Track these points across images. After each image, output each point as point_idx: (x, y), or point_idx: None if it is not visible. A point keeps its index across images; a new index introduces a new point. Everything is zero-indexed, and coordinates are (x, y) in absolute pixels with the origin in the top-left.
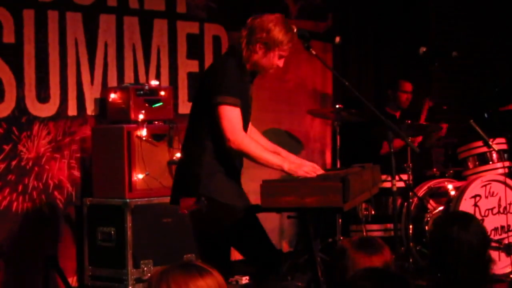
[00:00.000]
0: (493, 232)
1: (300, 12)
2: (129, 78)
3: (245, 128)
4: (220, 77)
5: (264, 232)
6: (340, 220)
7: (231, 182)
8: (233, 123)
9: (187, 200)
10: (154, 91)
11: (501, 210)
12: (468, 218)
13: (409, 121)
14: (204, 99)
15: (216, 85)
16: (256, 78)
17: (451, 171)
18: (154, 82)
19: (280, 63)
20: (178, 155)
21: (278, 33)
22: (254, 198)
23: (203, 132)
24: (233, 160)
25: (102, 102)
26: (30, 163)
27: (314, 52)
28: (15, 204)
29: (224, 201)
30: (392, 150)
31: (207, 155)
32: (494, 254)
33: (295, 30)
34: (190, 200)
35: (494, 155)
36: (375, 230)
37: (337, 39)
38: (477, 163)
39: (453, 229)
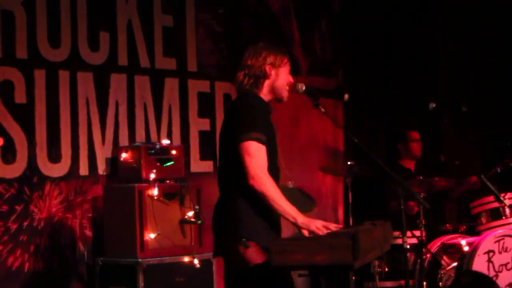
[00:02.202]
0: None
1: (311, 68)
2: (140, 136)
3: (276, 162)
4: (244, 113)
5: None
6: (353, 277)
7: (268, 225)
8: (257, 160)
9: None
10: (166, 150)
11: None
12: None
13: (421, 177)
14: (230, 140)
15: (240, 122)
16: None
17: (464, 227)
18: (165, 141)
19: (290, 78)
20: (190, 213)
21: (274, 50)
22: None
23: (234, 175)
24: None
25: (113, 161)
26: (42, 223)
27: (323, 110)
28: (27, 264)
29: (263, 245)
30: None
31: (244, 197)
32: None
33: (304, 88)
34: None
35: (507, 210)
36: (388, 287)
37: (346, 96)
38: (490, 218)
39: None
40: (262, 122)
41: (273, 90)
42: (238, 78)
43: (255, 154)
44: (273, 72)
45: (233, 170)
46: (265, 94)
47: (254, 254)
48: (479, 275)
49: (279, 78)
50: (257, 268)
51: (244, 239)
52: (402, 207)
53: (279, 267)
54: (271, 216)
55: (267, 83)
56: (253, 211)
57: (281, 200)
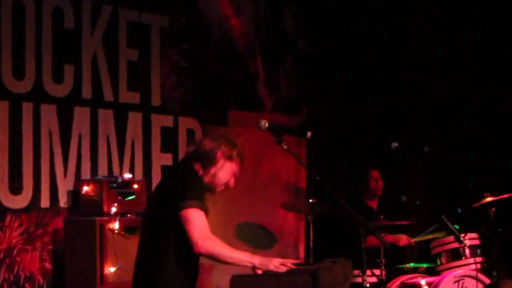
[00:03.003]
0: None
1: (275, 106)
2: (103, 170)
3: None
4: (186, 183)
5: None
6: None
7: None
8: (201, 227)
9: None
10: (128, 183)
11: None
12: None
13: (381, 216)
14: (166, 203)
15: (181, 190)
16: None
17: (424, 267)
18: (127, 175)
19: (232, 181)
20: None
21: (232, 144)
22: None
23: (164, 240)
24: (194, 267)
25: (75, 194)
26: (1, 255)
27: (285, 147)
28: None
29: None
30: (364, 245)
31: (170, 262)
32: None
33: (267, 125)
34: None
35: (467, 251)
36: None
37: (308, 134)
38: (450, 258)
39: None
40: (201, 193)
41: (210, 177)
42: (189, 150)
43: (196, 221)
44: (221, 161)
45: (162, 236)
46: (208, 174)
47: None
48: None
49: (222, 171)
50: None
51: None
52: (363, 245)
53: None
54: (193, 280)
55: (212, 169)
56: (179, 277)
57: (231, 252)
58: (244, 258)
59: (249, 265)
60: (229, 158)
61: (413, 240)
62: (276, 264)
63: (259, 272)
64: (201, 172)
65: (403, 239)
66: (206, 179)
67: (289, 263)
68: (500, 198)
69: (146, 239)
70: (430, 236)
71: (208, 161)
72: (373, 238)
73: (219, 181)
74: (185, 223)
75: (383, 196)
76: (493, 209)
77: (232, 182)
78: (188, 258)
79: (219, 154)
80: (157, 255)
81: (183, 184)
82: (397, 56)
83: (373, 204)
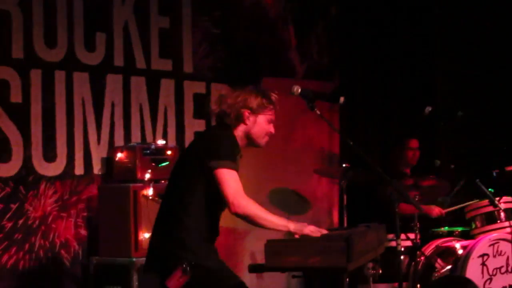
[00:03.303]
0: None
1: (307, 72)
2: (136, 137)
3: None
4: (218, 143)
5: None
6: (347, 279)
7: (214, 249)
8: (234, 187)
9: (173, 278)
10: (161, 150)
11: (509, 269)
12: (465, 282)
13: (411, 181)
14: (196, 163)
15: (213, 151)
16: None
17: (459, 230)
18: (160, 142)
19: (271, 128)
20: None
21: (258, 94)
22: (260, 257)
23: (189, 196)
24: (214, 227)
25: (108, 161)
26: (37, 222)
27: (318, 113)
28: (21, 262)
29: (211, 267)
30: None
31: (192, 219)
32: None
33: (299, 91)
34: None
35: (502, 214)
36: None
37: (341, 99)
38: (484, 222)
39: None
40: (234, 155)
41: (247, 136)
42: (215, 110)
43: (230, 181)
44: (250, 119)
45: (187, 192)
46: (240, 138)
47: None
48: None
49: (256, 126)
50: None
51: (187, 263)
52: (396, 210)
53: (273, 269)
54: (213, 239)
55: (242, 127)
56: (200, 234)
57: (267, 215)
58: (279, 222)
59: (284, 229)
60: (258, 111)
61: (444, 211)
62: (312, 229)
63: (296, 237)
64: (234, 131)
65: (435, 211)
66: (244, 138)
67: (324, 231)
68: None
69: (170, 193)
70: (462, 205)
71: (237, 122)
72: (405, 206)
73: (258, 137)
74: (219, 183)
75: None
76: None
77: (272, 129)
78: (210, 216)
79: (246, 113)
80: (180, 209)
81: (216, 144)
82: (430, 20)
83: (407, 170)
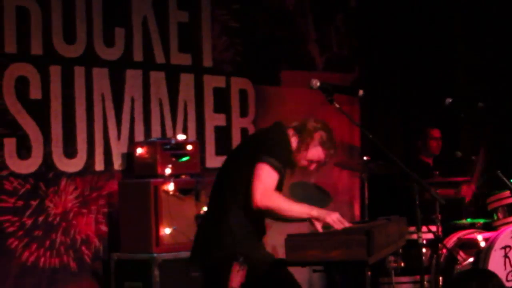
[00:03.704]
0: None
1: (327, 64)
2: (156, 132)
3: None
4: (275, 141)
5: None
6: (369, 273)
7: (261, 242)
8: (265, 184)
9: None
10: (181, 145)
11: None
12: (489, 275)
13: (437, 172)
14: (248, 157)
15: (267, 146)
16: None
17: (481, 222)
18: (181, 137)
19: (314, 165)
20: (206, 209)
21: (331, 137)
22: (281, 251)
23: (239, 190)
24: (262, 223)
25: (129, 157)
26: (58, 219)
27: (337, 106)
28: (42, 259)
29: (258, 257)
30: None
31: (242, 213)
32: None
33: (318, 84)
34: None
35: None
36: (404, 282)
37: (360, 92)
38: (506, 213)
39: (472, 285)
40: (286, 160)
41: (299, 151)
42: (295, 123)
43: (265, 179)
44: (315, 142)
45: (238, 186)
46: (299, 153)
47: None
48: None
49: (311, 152)
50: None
51: (242, 258)
52: (418, 202)
53: (294, 263)
54: (261, 234)
55: (303, 144)
56: (249, 229)
57: (290, 205)
58: (302, 210)
59: (308, 216)
60: (323, 144)
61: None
62: (334, 218)
63: (317, 224)
64: (293, 141)
65: (463, 189)
66: (295, 151)
67: (346, 223)
68: None
69: (220, 186)
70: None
71: (305, 136)
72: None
73: (304, 157)
74: (255, 176)
75: (439, 154)
76: None
77: (313, 166)
78: (258, 213)
79: (317, 135)
80: (231, 202)
81: (271, 142)
82: (451, 11)
83: (429, 160)
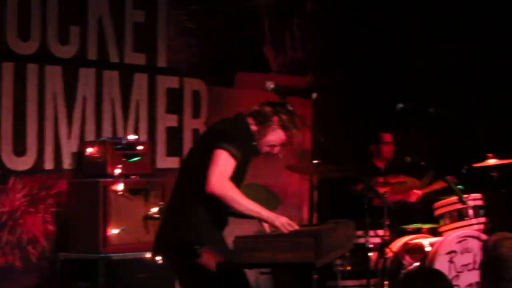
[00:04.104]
0: None
1: (281, 66)
2: (107, 132)
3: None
4: (234, 130)
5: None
6: (316, 276)
7: (221, 236)
8: (222, 170)
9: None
10: (132, 145)
11: (476, 267)
12: (436, 274)
13: (381, 179)
14: (207, 149)
15: (226, 134)
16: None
17: (427, 227)
18: (132, 136)
19: (277, 148)
20: (155, 210)
21: (290, 118)
22: None
23: (200, 181)
24: (225, 214)
25: (79, 156)
26: (4, 217)
27: (290, 108)
28: None
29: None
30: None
31: (202, 205)
32: None
33: (272, 86)
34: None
35: (470, 211)
36: (351, 286)
37: (314, 95)
38: (453, 219)
39: (418, 283)
40: (243, 144)
41: (259, 137)
42: (254, 108)
43: (221, 164)
44: (274, 126)
45: (199, 178)
46: (260, 138)
47: (206, 260)
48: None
49: (273, 135)
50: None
51: (198, 246)
52: (367, 206)
53: (243, 265)
54: (222, 226)
55: (263, 128)
56: (208, 220)
57: (242, 199)
58: (253, 208)
59: (256, 215)
60: (283, 127)
61: (422, 192)
62: (283, 221)
63: (266, 226)
64: (253, 128)
65: (413, 194)
66: (255, 138)
67: (295, 226)
68: (503, 163)
69: (184, 177)
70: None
71: (263, 120)
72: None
73: (266, 142)
74: (211, 162)
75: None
76: (497, 170)
77: (276, 149)
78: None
79: (275, 118)
80: (191, 193)
81: (230, 130)
82: (404, 16)
83: (381, 165)
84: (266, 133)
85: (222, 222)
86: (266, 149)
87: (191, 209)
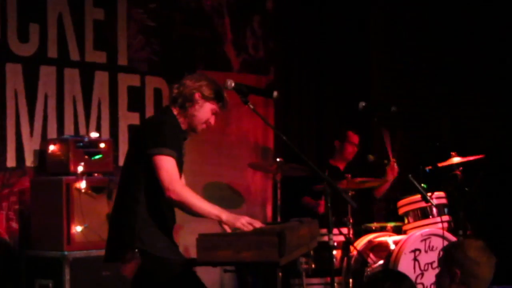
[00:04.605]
0: (432, 286)
1: (242, 65)
2: (69, 130)
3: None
4: (157, 130)
5: (202, 286)
6: (280, 274)
7: (164, 236)
8: (171, 173)
9: (127, 265)
10: (94, 143)
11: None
12: (401, 277)
13: (348, 175)
14: (138, 151)
15: (152, 137)
16: (194, 134)
17: (391, 225)
18: (94, 134)
19: (212, 119)
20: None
21: (213, 84)
22: (193, 251)
23: (136, 184)
24: (167, 214)
25: (41, 154)
26: None
27: (252, 107)
28: None
29: (158, 255)
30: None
31: (141, 207)
32: None
33: (233, 85)
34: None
35: (434, 210)
36: (315, 284)
37: (275, 93)
38: (416, 217)
39: (386, 285)
40: (172, 141)
41: (189, 119)
42: (172, 92)
43: (168, 168)
44: (199, 102)
45: (134, 180)
46: (182, 121)
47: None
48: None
49: (201, 111)
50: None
51: (137, 250)
52: (329, 204)
53: (205, 263)
54: (167, 227)
55: (188, 110)
56: (150, 222)
57: (201, 203)
58: (212, 211)
59: (216, 218)
60: (208, 98)
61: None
62: (244, 222)
63: (226, 228)
64: (180, 114)
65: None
66: (186, 121)
67: (257, 224)
68: (466, 161)
69: (121, 183)
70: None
71: (186, 103)
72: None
73: (199, 120)
74: (156, 170)
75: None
76: (460, 168)
77: (212, 120)
78: (161, 203)
79: (197, 95)
80: (129, 198)
81: (155, 131)
82: (365, 15)
83: (340, 165)
84: (194, 113)
85: (168, 222)
86: (202, 126)
87: (132, 216)
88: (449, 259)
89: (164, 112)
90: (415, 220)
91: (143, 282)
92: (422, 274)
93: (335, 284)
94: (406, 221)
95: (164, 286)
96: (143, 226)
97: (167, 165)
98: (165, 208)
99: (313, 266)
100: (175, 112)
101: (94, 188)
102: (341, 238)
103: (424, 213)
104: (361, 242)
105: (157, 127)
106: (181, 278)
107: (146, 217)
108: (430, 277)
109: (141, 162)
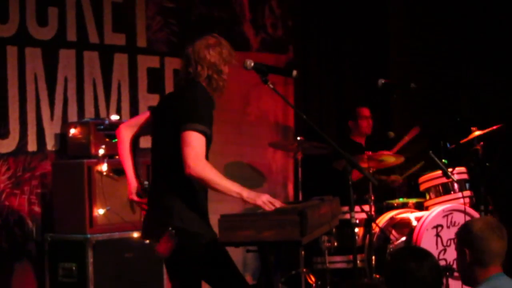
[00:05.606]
0: (455, 262)
1: (261, 45)
2: (89, 113)
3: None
4: (193, 104)
5: (234, 265)
6: (303, 252)
7: (203, 215)
8: (196, 150)
9: (161, 243)
10: (115, 125)
11: None
12: (424, 254)
13: (370, 152)
14: (174, 129)
15: (188, 112)
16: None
17: (413, 202)
18: (114, 117)
19: (226, 69)
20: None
21: (227, 45)
22: (216, 231)
23: (175, 163)
24: (203, 191)
25: (62, 137)
26: None
27: (271, 86)
28: None
29: (196, 230)
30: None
31: (181, 186)
32: (455, 284)
33: (252, 65)
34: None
35: (455, 185)
36: (338, 261)
37: (294, 72)
38: (438, 193)
39: (409, 264)
40: (209, 117)
41: (217, 84)
42: (193, 68)
43: (195, 145)
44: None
45: (176, 157)
46: (211, 89)
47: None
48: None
49: (216, 56)
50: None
51: (172, 229)
52: (350, 182)
53: (228, 243)
54: (203, 207)
55: (212, 80)
56: (188, 201)
57: (221, 179)
58: (233, 188)
59: (237, 196)
60: (229, 62)
61: (401, 178)
62: (265, 200)
63: (248, 205)
64: (208, 85)
65: (391, 179)
66: (212, 92)
67: (278, 203)
68: (487, 132)
69: (159, 161)
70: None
71: (216, 75)
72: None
73: (224, 82)
74: (183, 145)
75: (371, 134)
76: (481, 143)
77: (227, 70)
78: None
79: (223, 66)
80: (170, 176)
81: (192, 106)
82: None
83: (361, 140)
84: (223, 75)
85: (204, 201)
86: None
87: (171, 197)
88: (459, 241)
89: (196, 86)
90: (436, 196)
91: (180, 259)
92: (445, 250)
93: (358, 261)
94: (427, 197)
95: (201, 262)
96: (183, 206)
97: (195, 142)
98: (198, 187)
99: (335, 244)
100: (205, 84)
101: (115, 170)
102: (363, 215)
103: (445, 189)
104: (383, 219)
105: (196, 101)
106: (218, 255)
107: (187, 196)
108: (452, 252)
109: (177, 138)
